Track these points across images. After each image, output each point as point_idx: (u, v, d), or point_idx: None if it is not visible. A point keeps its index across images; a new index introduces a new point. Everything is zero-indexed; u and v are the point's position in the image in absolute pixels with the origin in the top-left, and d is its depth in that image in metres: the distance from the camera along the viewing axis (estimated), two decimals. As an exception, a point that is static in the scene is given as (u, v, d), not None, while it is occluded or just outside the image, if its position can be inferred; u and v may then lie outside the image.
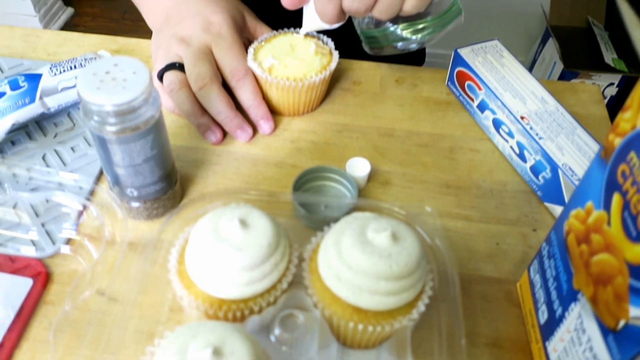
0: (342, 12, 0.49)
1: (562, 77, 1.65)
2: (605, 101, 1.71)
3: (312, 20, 0.53)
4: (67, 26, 2.18)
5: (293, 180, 0.50)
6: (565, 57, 1.65)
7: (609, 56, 1.63)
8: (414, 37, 0.52)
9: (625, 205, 0.32)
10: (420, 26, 0.52)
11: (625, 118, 0.32)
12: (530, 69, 1.87)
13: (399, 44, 0.53)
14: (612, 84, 1.67)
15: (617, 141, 0.33)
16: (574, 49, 1.69)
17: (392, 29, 0.52)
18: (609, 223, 0.33)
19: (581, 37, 1.74)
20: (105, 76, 0.41)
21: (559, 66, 1.66)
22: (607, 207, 0.34)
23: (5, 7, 2.02)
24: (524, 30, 1.91)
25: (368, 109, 0.60)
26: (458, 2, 0.53)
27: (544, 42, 1.79)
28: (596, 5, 1.75)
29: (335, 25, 0.53)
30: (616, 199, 0.33)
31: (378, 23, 0.52)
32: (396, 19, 0.52)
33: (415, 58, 0.93)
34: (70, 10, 2.21)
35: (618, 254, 0.32)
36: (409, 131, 0.58)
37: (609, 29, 1.73)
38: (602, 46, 1.65)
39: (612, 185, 0.33)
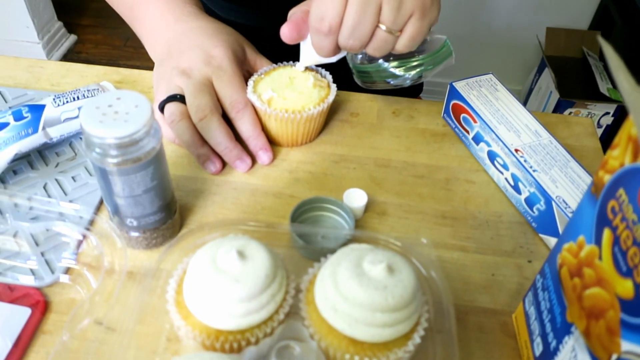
0: (337, 47, 0.51)
1: (558, 106, 1.67)
2: (602, 130, 1.73)
3: (310, 55, 0.54)
4: (70, 53, 2.21)
5: (291, 211, 0.51)
6: (561, 86, 1.68)
7: (604, 86, 1.66)
8: (405, 74, 0.54)
9: (616, 241, 0.32)
10: (412, 64, 0.54)
11: (614, 155, 0.33)
12: (526, 98, 1.90)
13: (391, 81, 0.54)
14: (607, 113, 1.69)
15: (607, 178, 0.34)
16: (570, 78, 1.72)
17: (384, 65, 0.54)
18: (600, 257, 0.34)
19: (576, 67, 1.77)
20: (108, 109, 0.42)
21: (555, 95, 1.69)
22: (598, 241, 0.34)
23: (9, 35, 2.06)
24: (520, 60, 1.94)
25: (365, 140, 0.61)
26: (449, 44, 0.55)
27: (540, 71, 1.82)
28: (591, 36, 1.79)
29: (333, 59, 0.54)
30: (607, 234, 0.33)
31: (371, 59, 0.55)
32: (388, 56, 0.54)
33: (412, 88, 0.95)
34: (73, 38, 2.24)
35: (609, 288, 0.33)
36: (405, 162, 0.59)
37: (603, 59, 1.76)
38: (597, 76, 1.68)
39: (602, 221, 0.34)
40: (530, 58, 1.92)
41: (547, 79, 1.74)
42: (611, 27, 1.72)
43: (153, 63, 0.64)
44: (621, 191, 0.32)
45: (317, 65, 0.58)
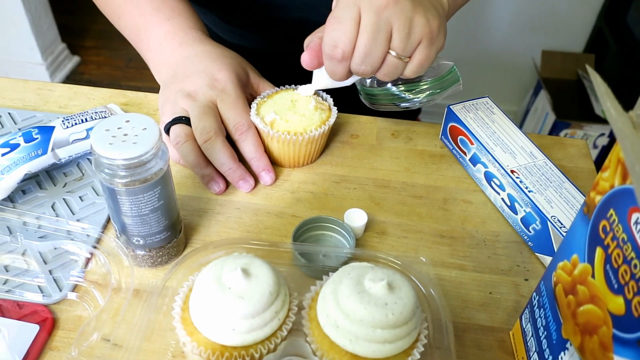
0: (350, 72, 0.53)
1: (555, 127, 1.70)
2: (597, 151, 1.75)
3: (322, 78, 0.56)
4: (73, 74, 2.23)
5: (293, 230, 0.52)
6: (556, 108, 1.70)
7: (599, 108, 1.68)
8: (413, 98, 0.56)
9: (607, 259, 0.34)
10: (419, 88, 0.56)
11: (604, 177, 0.35)
12: (523, 119, 1.92)
13: (399, 104, 0.56)
14: (602, 134, 1.71)
15: (598, 198, 0.35)
16: (565, 100, 1.75)
17: (392, 89, 0.56)
18: (593, 275, 0.35)
19: (572, 89, 1.80)
20: (118, 132, 0.43)
21: (551, 117, 1.71)
22: (590, 260, 0.36)
23: (14, 56, 2.08)
24: (516, 82, 1.97)
25: (365, 161, 0.63)
26: (456, 70, 0.58)
27: (536, 93, 1.85)
28: (586, 59, 1.82)
29: (346, 83, 0.56)
30: (599, 252, 0.35)
31: (380, 83, 0.57)
32: (396, 80, 0.56)
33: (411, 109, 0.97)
34: (76, 59, 2.27)
35: (602, 305, 0.34)
36: (404, 183, 0.61)
37: (598, 82, 1.78)
38: (592, 98, 1.70)
39: (594, 240, 0.35)
40: (526, 80, 1.95)
41: (543, 100, 1.77)
42: (605, 49, 1.75)
43: (155, 84, 0.66)
44: (612, 211, 0.33)
45: (326, 90, 0.60)
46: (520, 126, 1.94)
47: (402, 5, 0.49)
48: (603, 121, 1.68)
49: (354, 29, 0.50)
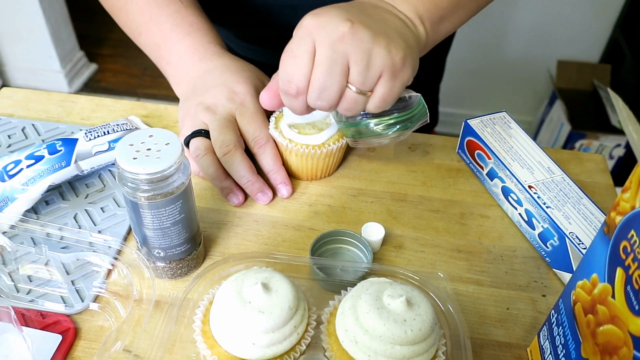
0: (308, 107, 0.52)
1: (570, 138, 1.69)
2: (613, 162, 1.74)
3: (292, 114, 0.56)
4: (91, 81, 2.27)
5: (311, 244, 0.53)
6: (572, 118, 1.70)
7: (615, 118, 1.67)
8: (385, 132, 0.54)
9: (628, 280, 0.34)
10: (389, 122, 0.54)
11: (625, 198, 0.35)
12: (538, 129, 1.92)
13: (372, 140, 0.55)
14: (619, 145, 1.70)
15: (618, 219, 0.35)
16: (581, 111, 1.74)
17: (363, 123, 0.55)
18: (613, 296, 0.35)
19: (587, 100, 1.79)
20: (141, 146, 0.44)
21: (567, 127, 1.71)
22: (611, 280, 0.36)
23: (33, 63, 2.12)
24: (531, 92, 1.96)
25: (382, 175, 0.63)
26: (423, 102, 0.56)
27: (551, 103, 1.84)
28: (601, 69, 1.81)
29: (314, 117, 0.57)
30: (619, 273, 0.35)
31: (349, 117, 0.55)
32: (366, 114, 0.54)
33: (430, 119, 0.97)
34: (94, 67, 2.31)
35: (622, 326, 0.34)
36: (421, 196, 0.61)
37: (614, 92, 1.77)
38: (608, 109, 1.69)
39: (615, 260, 0.35)
40: (542, 90, 1.95)
41: (559, 111, 1.76)
42: (621, 60, 1.74)
43: (171, 91, 0.67)
44: (632, 232, 0.34)
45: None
46: (535, 137, 1.93)
47: (360, 37, 0.47)
48: (619, 132, 1.67)
49: (308, 63, 0.48)
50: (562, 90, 1.80)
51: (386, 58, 0.48)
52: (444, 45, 0.92)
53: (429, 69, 0.91)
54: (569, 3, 1.75)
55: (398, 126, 0.55)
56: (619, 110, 0.28)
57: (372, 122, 0.55)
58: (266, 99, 0.55)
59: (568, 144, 1.70)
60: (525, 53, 1.88)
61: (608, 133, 1.67)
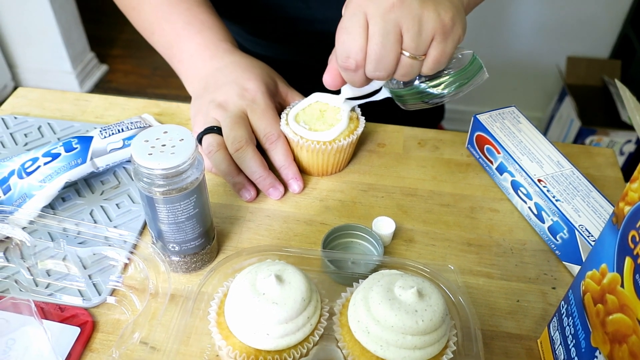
0: (367, 79, 0.54)
1: (580, 134, 1.68)
2: (624, 157, 1.73)
3: (348, 88, 0.57)
4: (102, 82, 2.29)
5: (322, 238, 0.54)
6: (582, 114, 1.69)
7: (626, 114, 1.66)
8: (441, 92, 0.55)
9: (637, 269, 0.34)
10: (445, 82, 0.55)
11: (633, 188, 0.35)
12: (548, 125, 1.91)
13: (428, 100, 0.56)
14: (629, 141, 1.69)
15: (627, 209, 0.36)
16: (591, 107, 1.73)
17: (420, 87, 0.56)
18: (622, 285, 0.36)
19: (597, 96, 1.78)
20: (156, 142, 0.45)
21: (577, 123, 1.70)
22: (619, 269, 0.36)
23: (45, 65, 2.14)
24: (541, 88, 1.96)
25: (392, 170, 0.64)
26: (477, 57, 0.56)
27: (561, 99, 1.84)
28: (611, 65, 1.80)
29: (371, 88, 0.57)
30: (628, 262, 0.35)
31: (406, 82, 0.56)
32: (420, 77, 0.55)
33: (433, 114, 0.98)
34: (104, 67, 2.33)
35: (631, 314, 0.34)
36: (431, 191, 0.62)
37: (625, 88, 1.77)
38: (618, 105, 1.69)
39: (623, 250, 0.36)
40: (551, 86, 1.94)
41: (568, 107, 1.76)
42: (632, 55, 1.74)
43: (180, 91, 0.68)
44: (640, 222, 0.34)
45: (355, 98, 0.60)
46: (545, 133, 1.93)
47: (408, 4, 0.48)
48: (629, 128, 1.66)
49: (362, 36, 0.50)
50: (572, 86, 1.79)
51: (436, 20, 0.49)
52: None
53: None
54: (579, -2, 1.74)
55: (455, 84, 0.55)
56: (627, 101, 0.28)
57: (429, 84, 0.55)
58: (329, 79, 0.56)
59: (578, 140, 1.70)
60: (534, 49, 1.87)
61: (618, 129, 1.66)
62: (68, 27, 2.07)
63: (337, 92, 0.59)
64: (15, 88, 2.20)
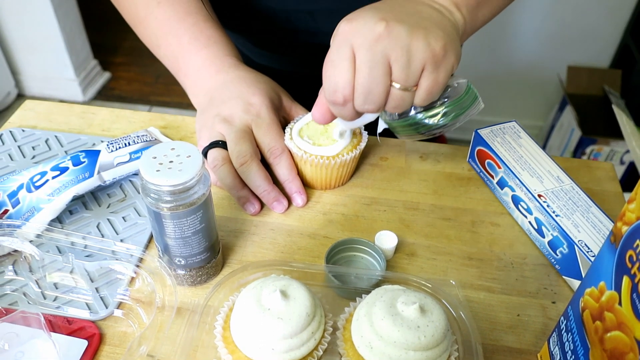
0: (357, 112, 0.52)
1: (581, 143, 1.69)
2: (624, 167, 1.74)
3: (341, 122, 0.56)
4: (105, 89, 2.30)
5: (326, 252, 0.55)
6: (582, 124, 1.70)
7: (626, 124, 1.67)
8: (437, 122, 0.54)
9: (634, 288, 0.35)
10: (440, 112, 0.54)
11: (631, 209, 0.36)
12: (548, 134, 1.92)
13: (424, 132, 0.56)
14: (629, 150, 1.70)
15: (625, 229, 0.37)
16: (592, 116, 1.74)
17: (414, 118, 0.55)
18: (620, 303, 0.37)
19: (598, 105, 1.80)
20: (164, 159, 0.46)
21: (577, 133, 1.71)
22: (617, 288, 0.37)
23: (48, 72, 2.16)
24: (541, 97, 1.97)
25: (394, 183, 0.65)
26: (472, 86, 0.55)
27: (561, 108, 1.85)
28: (612, 74, 1.81)
29: (366, 120, 0.56)
30: (625, 281, 0.36)
31: (401, 114, 0.55)
32: (416, 108, 0.54)
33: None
34: (107, 75, 2.34)
35: (629, 332, 0.35)
36: (433, 205, 0.63)
37: (625, 97, 1.78)
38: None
39: (621, 269, 0.37)
40: (552, 95, 1.95)
41: (569, 116, 1.77)
42: (632, 65, 1.75)
43: (183, 99, 0.69)
44: (638, 242, 0.35)
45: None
46: (546, 142, 1.93)
47: (396, 34, 0.47)
48: (630, 137, 1.67)
49: (349, 69, 0.48)
50: (573, 96, 1.80)
51: (426, 50, 0.47)
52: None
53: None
54: (579, 8, 1.76)
55: (452, 115, 0.54)
56: (623, 126, 0.29)
57: (425, 115, 0.54)
58: (318, 115, 0.55)
59: (579, 150, 1.71)
60: (535, 58, 1.89)
61: (619, 138, 1.67)
62: (72, 35, 2.09)
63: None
64: (18, 95, 2.22)
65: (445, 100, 0.54)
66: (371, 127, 0.66)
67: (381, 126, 0.59)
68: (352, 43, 0.48)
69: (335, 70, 0.49)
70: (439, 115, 0.54)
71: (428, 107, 0.54)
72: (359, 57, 0.48)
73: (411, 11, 0.50)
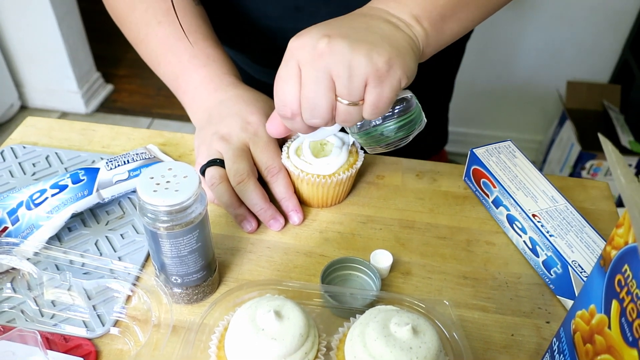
0: (309, 126, 0.53)
1: (580, 158, 1.70)
2: (624, 182, 1.73)
3: (305, 136, 0.58)
4: (107, 101, 2.32)
5: (321, 271, 0.55)
6: (582, 139, 1.71)
7: (626, 139, 1.68)
8: (396, 135, 0.54)
9: (622, 312, 0.35)
10: (397, 124, 0.54)
11: (619, 233, 0.36)
12: (548, 149, 1.93)
13: (382, 144, 0.56)
14: (629, 165, 1.71)
15: (614, 253, 0.37)
16: (591, 131, 1.75)
17: (377, 130, 0.55)
18: (609, 326, 0.37)
19: (597, 120, 1.80)
20: (161, 179, 0.47)
21: (577, 147, 1.71)
22: (607, 311, 0.37)
23: (51, 85, 2.18)
24: (541, 112, 1.98)
25: (390, 202, 0.65)
26: (416, 101, 0.55)
27: (561, 123, 1.85)
28: (611, 89, 1.82)
29: (328, 133, 0.57)
30: (614, 305, 0.36)
31: (360, 127, 0.56)
32: (375, 121, 0.55)
33: (438, 140, 1.00)
34: (110, 87, 2.36)
35: (618, 356, 0.36)
36: (428, 224, 0.63)
37: (624, 112, 1.79)
38: (618, 129, 1.70)
39: (610, 293, 0.37)
40: (551, 110, 1.96)
41: (569, 131, 1.77)
42: (631, 80, 1.76)
43: (184, 111, 0.69)
44: (626, 267, 0.35)
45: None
46: (546, 157, 1.94)
47: (337, 50, 0.47)
48: (630, 152, 1.68)
49: (295, 85, 0.50)
50: (572, 111, 1.81)
51: (367, 65, 0.47)
52: (453, 65, 0.94)
53: (437, 89, 0.94)
54: (579, 23, 1.77)
55: (405, 127, 0.54)
56: (608, 154, 0.30)
57: (381, 128, 0.55)
58: (271, 128, 0.57)
59: (578, 164, 1.71)
60: (535, 73, 1.90)
61: (618, 153, 1.67)
62: (75, 47, 2.11)
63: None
64: (21, 107, 2.23)
65: (398, 114, 0.54)
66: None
67: (350, 139, 0.59)
68: (298, 59, 0.49)
69: (283, 85, 0.51)
70: (394, 128, 0.54)
71: (385, 120, 0.54)
72: (303, 73, 0.49)
73: (360, 26, 0.51)
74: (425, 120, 0.56)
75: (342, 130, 0.58)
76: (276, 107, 0.53)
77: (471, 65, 1.84)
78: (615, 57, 1.83)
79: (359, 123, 0.54)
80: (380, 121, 0.54)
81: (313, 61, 0.48)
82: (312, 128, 0.54)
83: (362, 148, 0.60)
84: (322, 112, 0.50)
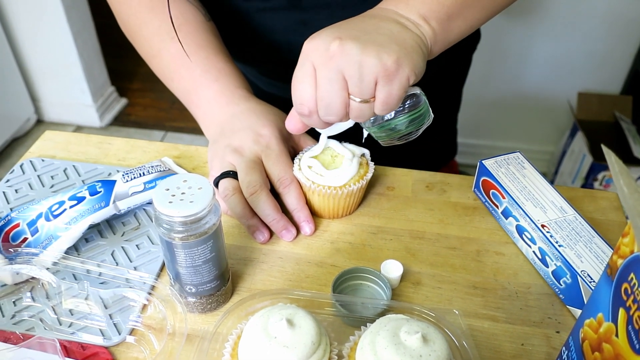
0: (325, 122, 0.56)
1: (592, 169, 1.69)
2: (637, 193, 1.72)
3: (322, 130, 0.60)
4: (121, 115, 2.35)
5: (333, 280, 0.56)
6: (593, 150, 1.70)
7: (638, 150, 1.67)
8: (408, 128, 0.57)
9: (629, 320, 0.36)
10: (409, 118, 0.57)
11: (625, 243, 0.37)
12: (560, 160, 1.92)
13: (396, 137, 0.58)
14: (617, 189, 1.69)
15: (620, 262, 0.38)
16: (603, 142, 1.74)
17: (391, 124, 0.57)
18: (617, 334, 0.37)
19: (609, 131, 1.80)
20: (177, 191, 0.48)
21: (589, 159, 1.71)
22: (614, 319, 0.38)
23: (66, 98, 2.21)
24: (552, 123, 1.98)
25: (401, 213, 0.66)
26: (424, 97, 0.57)
27: (572, 134, 1.85)
28: (623, 100, 1.82)
29: (345, 125, 0.59)
30: (621, 313, 0.37)
31: (374, 121, 0.58)
32: (381, 118, 0.57)
33: (447, 151, 1.01)
34: (124, 101, 2.40)
35: (625, 364, 0.36)
36: (438, 234, 0.64)
37: (636, 123, 1.78)
38: (630, 140, 1.70)
39: (617, 301, 0.38)
40: (563, 121, 1.96)
41: (580, 142, 1.77)
42: (643, 91, 1.75)
43: (197, 124, 0.71)
44: (632, 275, 0.36)
45: (366, 143, 0.63)
46: (557, 168, 1.94)
47: (348, 51, 0.50)
48: (642, 163, 1.67)
49: (311, 84, 0.52)
50: (583, 122, 1.81)
51: (377, 65, 0.50)
52: (459, 77, 0.95)
53: (444, 101, 0.95)
54: (589, 34, 1.77)
55: (416, 122, 0.57)
56: (611, 165, 0.30)
57: (394, 122, 0.57)
58: (290, 124, 0.60)
59: (590, 176, 1.71)
60: (545, 84, 1.90)
61: (630, 164, 1.67)
62: (90, 62, 2.15)
63: (340, 137, 0.62)
64: (37, 121, 2.27)
65: (408, 109, 0.57)
66: (380, 156, 0.68)
67: (364, 134, 0.62)
68: (312, 61, 0.52)
69: (300, 85, 0.53)
70: (406, 121, 0.57)
71: (396, 114, 0.57)
72: (318, 73, 0.52)
73: (370, 28, 0.53)
74: (433, 115, 0.58)
75: (357, 124, 0.61)
76: (294, 105, 0.55)
77: (481, 76, 1.85)
78: (626, 67, 1.83)
79: (372, 118, 0.57)
80: (392, 115, 0.57)
81: (326, 63, 0.51)
82: (328, 124, 0.57)
83: (376, 141, 0.62)
84: (336, 110, 0.53)
